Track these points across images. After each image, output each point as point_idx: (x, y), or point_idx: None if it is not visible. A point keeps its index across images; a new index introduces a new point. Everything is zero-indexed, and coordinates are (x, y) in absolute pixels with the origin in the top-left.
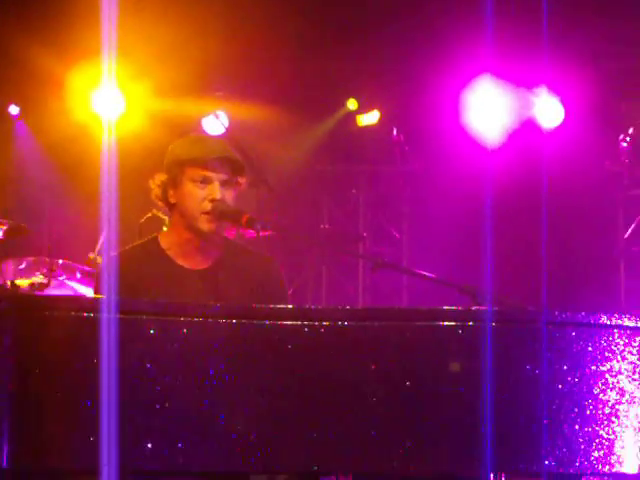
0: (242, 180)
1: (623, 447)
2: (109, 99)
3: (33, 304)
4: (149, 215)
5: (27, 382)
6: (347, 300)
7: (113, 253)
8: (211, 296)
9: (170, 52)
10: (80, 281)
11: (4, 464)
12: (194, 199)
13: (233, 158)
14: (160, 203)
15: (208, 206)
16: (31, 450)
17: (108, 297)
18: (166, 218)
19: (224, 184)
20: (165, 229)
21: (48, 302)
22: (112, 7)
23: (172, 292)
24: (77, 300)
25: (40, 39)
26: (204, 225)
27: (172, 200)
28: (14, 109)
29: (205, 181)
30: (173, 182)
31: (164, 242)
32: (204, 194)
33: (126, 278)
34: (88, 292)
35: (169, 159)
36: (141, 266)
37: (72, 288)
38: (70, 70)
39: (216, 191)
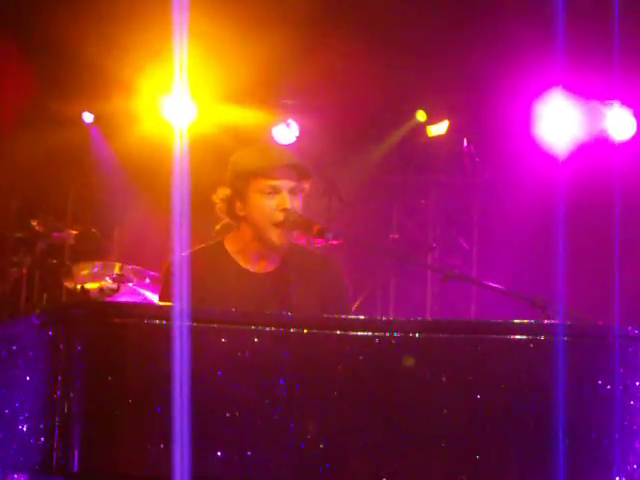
0: (306, 185)
1: None
2: (180, 106)
3: (105, 311)
4: (224, 222)
5: (99, 389)
6: (415, 311)
7: (184, 256)
8: (278, 299)
9: (242, 60)
10: (149, 287)
11: (75, 469)
12: (264, 211)
13: (299, 164)
14: (226, 217)
15: (280, 216)
16: (101, 456)
17: (180, 304)
18: None
19: (292, 192)
20: (230, 234)
21: (120, 309)
22: (184, 14)
23: (237, 295)
24: (149, 307)
25: (114, 47)
26: (275, 238)
27: (240, 213)
28: (88, 117)
29: (273, 191)
30: (239, 195)
31: (230, 245)
32: (274, 204)
33: (191, 280)
34: (156, 298)
35: (233, 172)
36: (206, 268)
37: (141, 294)
38: (143, 78)
39: (286, 200)
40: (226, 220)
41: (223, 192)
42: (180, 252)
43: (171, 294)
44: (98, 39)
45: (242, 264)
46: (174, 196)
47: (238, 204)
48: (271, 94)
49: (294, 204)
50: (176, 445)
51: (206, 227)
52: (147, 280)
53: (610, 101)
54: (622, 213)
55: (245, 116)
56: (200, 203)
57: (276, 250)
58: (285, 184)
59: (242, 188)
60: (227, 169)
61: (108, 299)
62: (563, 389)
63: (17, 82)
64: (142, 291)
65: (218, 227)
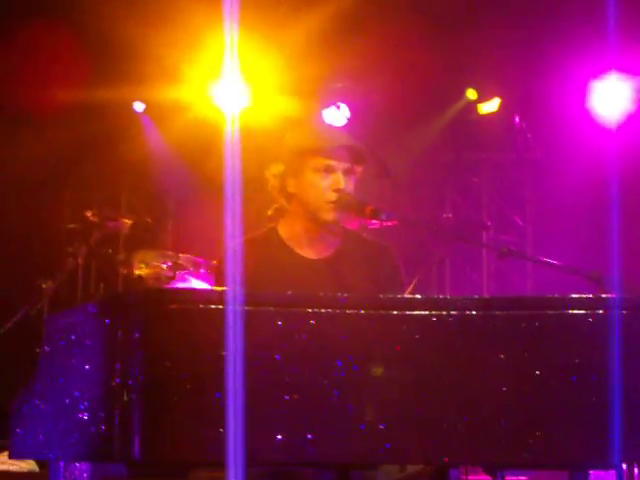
0: (359, 169)
1: None
2: (231, 92)
3: (160, 297)
4: (276, 206)
5: (157, 375)
6: (472, 289)
7: (238, 242)
8: (333, 285)
9: (291, 44)
10: (204, 276)
11: (136, 456)
12: (317, 189)
13: (356, 146)
14: (277, 194)
15: (333, 196)
16: (161, 442)
17: (234, 289)
18: None
19: (346, 173)
20: (283, 220)
21: (175, 295)
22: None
23: (293, 281)
24: (205, 293)
25: (162, 33)
26: (327, 215)
27: (292, 190)
28: (139, 106)
29: (328, 170)
30: (293, 172)
31: (283, 232)
32: (327, 184)
33: (245, 267)
34: (206, 285)
35: (288, 148)
36: (261, 255)
37: (197, 282)
38: (191, 64)
39: (340, 180)
40: (278, 205)
41: (277, 168)
42: (232, 239)
43: (226, 281)
44: (148, 27)
45: (296, 250)
46: (226, 185)
47: (291, 181)
48: (321, 78)
49: (347, 185)
50: (229, 429)
51: (258, 215)
52: (202, 269)
53: None
54: None
55: (296, 101)
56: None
57: (328, 230)
58: (340, 164)
59: (297, 165)
60: (282, 145)
61: (164, 286)
62: (624, 364)
63: (69, 72)
64: (197, 280)
65: (270, 212)
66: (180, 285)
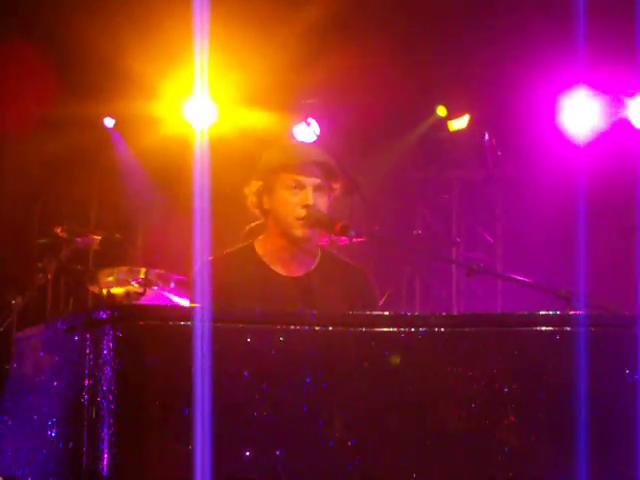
0: (336, 185)
1: None
2: (201, 108)
3: (130, 314)
4: (253, 224)
5: (126, 392)
6: (441, 306)
7: (207, 260)
8: (306, 303)
9: (261, 60)
10: (174, 290)
11: (104, 473)
12: (288, 205)
13: (326, 162)
14: (255, 210)
15: (302, 212)
16: (130, 459)
17: (203, 306)
18: None
19: (317, 189)
20: (261, 236)
21: (144, 312)
22: (204, 17)
23: (267, 298)
24: (173, 309)
25: (134, 50)
26: (298, 231)
27: (266, 207)
28: (109, 121)
29: (298, 187)
30: (267, 189)
31: (260, 248)
32: (297, 200)
33: (221, 283)
34: (182, 301)
35: (262, 166)
36: (237, 271)
37: (167, 297)
38: (163, 80)
39: (309, 197)
40: (255, 223)
41: (255, 185)
42: (201, 253)
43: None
44: (119, 42)
45: (271, 266)
46: (195, 198)
47: (265, 198)
48: (291, 94)
49: (318, 201)
50: (197, 446)
51: (229, 227)
52: (172, 284)
53: (632, 91)
54: None
55: (265, 117)
56: (222, 205)
57: (303, 248)
58: (310, 181)
59: (269, 182)
60: (258, 163)
61: (133, 302)
62: (590, 380)
63: (38, 86)
64: (167, 295)
65: (247, 229)
66: (151, 301)
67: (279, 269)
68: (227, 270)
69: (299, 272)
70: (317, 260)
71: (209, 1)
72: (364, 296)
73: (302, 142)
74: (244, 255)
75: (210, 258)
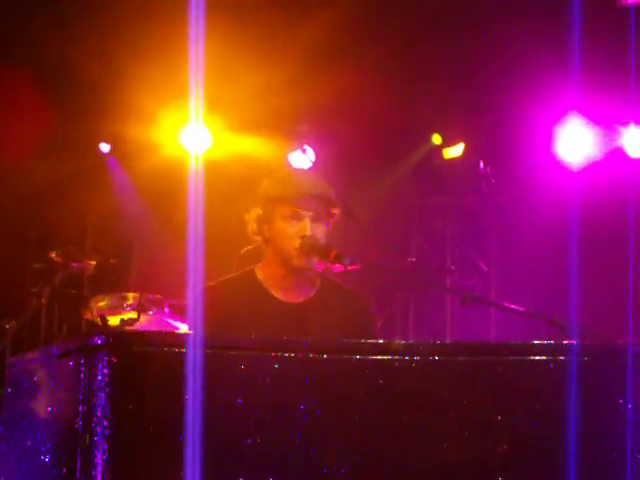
0: (335, 211)
1: None
2: (196, 135)
3: (124, 340)
4: (249, 247)
5: (120, 417)
6: (435, 334)
7: (205, 286)
8: (302, 330)
9: (256, 88)
10: (168, 315)
11: None
12: (285, 236)
13: (322, 194)
14: (256, 237)
15: (298, 242)
16: None
17: (197, 332)
18: None
19: (315, 220)
20: (261, 263)
21: (139, 338)
22: (199, 46)
23: (266, 324)
24: (168, 335)
25: (130, 78)
26: (296, 261)
27: (267, 235)
28: (105, 147)
29: (296, 218)
30: (266, 218)
31: (260, 274)
32: (295, 231)
33: (222, 309)
34: (177, 326)
35: (262, 195)
36: (237, 297)
37: (162, 322)
38: (159, 107)
39: (307, 228)
40: (248, 247)
41: (255, 212)
42: (195, 278)
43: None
44: (115, 69)
45: (272, 292)
46: (189, 223)
47: (265, 226)
48: (286, 121)
49: (315, 231)
50: (188, 473)
51: (223, 252)
52: (166, 309)
53: (626, 120)
54: (638, 231)
55: (260, 143)
56: (216, 229)
57: (303, 276)
58: (307, 213)
59: (268, 211)
60: (257, 191)
61: (127, 328)
62: (583, 408)
63: (35, 112)
64: (162, 320)
65: (242, 252)
66: (146, 326)
67: (279, 295)
68: (227, 295)
69: (299, 299)
70: (317, 287)
71: (204, 30)
72: (363, 323)
73: (300, 171)
74: (244, 280)
75: (211, 284)
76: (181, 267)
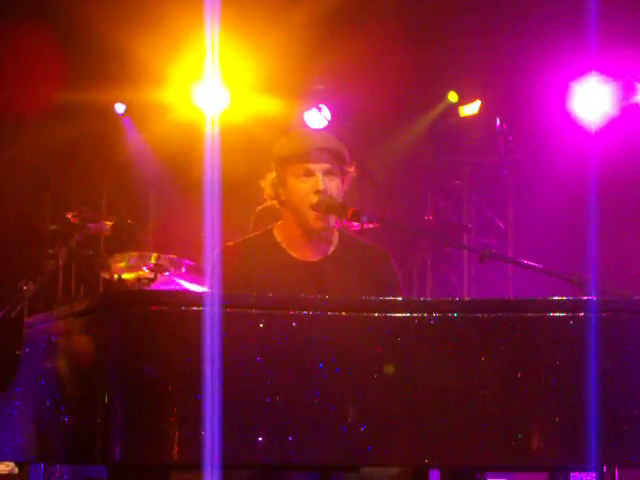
0: (350, 169)
1: None
2: (212, 94)
3: (141, 299)
4: (266, 204)
5: (138, 377)
6: (452, 292)
7: (224, 246)
8: (320, 289)
9: (272, 46)
10: (186, 276)
11: (116, 458)
12: (299, 193)
13: (332, 148)
14: (273, 202)
15: (314, 198)
16: (142, 444)
17: (215, 291)
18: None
19: (327, 174)
20: (279, 223)
21: (156, 297)
22: (215, 2)
23: (284, 283)
24: (185, 295)
25: (144, 36)
26: (312, 222)
27: (282, 198)
28: (120, 107)
29: (307, 174)
30: (280, 180)
31: (278, 234)
32: (308, 187)
33: (240, 269)
34: (193, 287)
35: (274, 158)
36: (255, 257)
37: (178, 283)
38: (174, 67)
39: (319, 182)
40: (263, 205)
41: (270, 177)
42: (212, 239)
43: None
44: (128, 28)
45: (290, 252)
46: (205, 184)
47: (280, 189)
48: (302, 80)
49: (329, 185)
50: (207, 431)
51: (240, 213)
52: (183, 269)
53: None
54: None
55: (276, 103)
56: (232, 190)
57: (315, 234)
58: (318, 167)
59: (281, 173)
60: (271, 155)
61: (144, 288)
62: (604, 366)
63: (49, 73)
64: (179, 280)
65: (257, 211)
66: (163, 286)
67: (297, 254)
68: (245, 256)
69: (317, 256)
70: (335, 244)
71: None
72: (385, 278)
73: (310, 129)
74: (262, 241)
75: (229, 244)
76: (197, 228)
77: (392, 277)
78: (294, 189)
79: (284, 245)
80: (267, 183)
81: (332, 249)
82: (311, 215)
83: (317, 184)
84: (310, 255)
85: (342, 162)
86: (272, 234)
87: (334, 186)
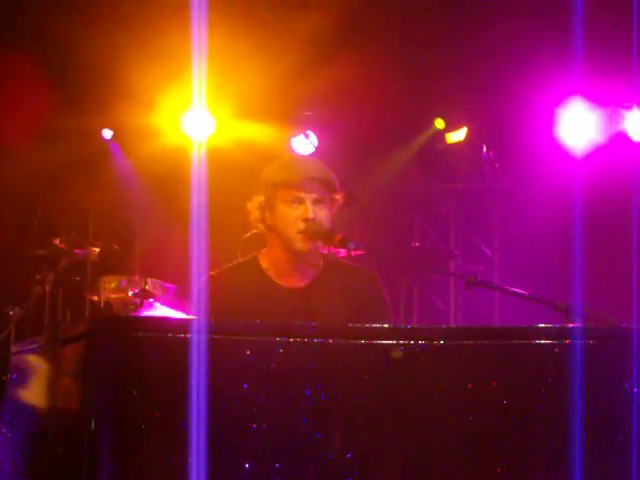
0: (338, 197)
1: None
2: (199, 120)
3: (128, 325)
4: (254, 231)
5: (125, 403)
6: (439, 319)
7: (210, 274)
8: (307, 315)
9: (259, 73)
10: (172, 301)
11: None
12: (288, 220)
13: (324, 177)
14: (259, 225)
15: (302, 226)
16: (130, 471)
17: (202, 318)
18: None
19: (317, 203)
20: (264, 249)
21: (143, 323)
22: (202, 30)
23: (270, 311)
24: (172, 321)
25: (133, 63)
26: (299, 245)
27: (269, 222)
28: (108, 133)
29: (298, 201)
30: (268, 204)
31: (264, 261)
32: (297, 214)
33: (226, 296)
34: (179, 312)
35: (263, 182)
36: (241, 285)
37: (164, 308)
38: (162, 92)
39: (308, 211)
40: (251, 232)
41: (257, 200)
42: (199, 264)
43: (214, 310)
44: (117, 55)
45: (275, 279)
46: (193, 209)
47: (267, 213)
48: (289, 107)
49: (318, 214)
50: (193, 459)
51: (227, 238)
52: (170, 294)
53: (629, 104)
54: None
55: (263, 129)
56: (220, 216)
57: (305, 260)
58: (309, 195)
59: (271, 197)
60: (260, 178)
61: (131, 313)
62: (589, 392)
63: (37, 98)
64: (165, 306)
65: (244, 238)
66: (149, 312)
67: (282, 281)
68: (231, 284)
69: (302, 283)
70: (320, 270)
71: (207, 14)
72: (372, 299)
73: (302, 156)
74: (248, 268)
75: (214, 272)
76: (184, 253)
77: (379, 298)
78: (282, 215)
79: (269, 272)
80: (254, 206)
81: (316, 274)
82: (298, 238)
83: (306, 212)
84: (296, 281)
85: (332, 190)
86: (257, 261)
87: (323, 215)
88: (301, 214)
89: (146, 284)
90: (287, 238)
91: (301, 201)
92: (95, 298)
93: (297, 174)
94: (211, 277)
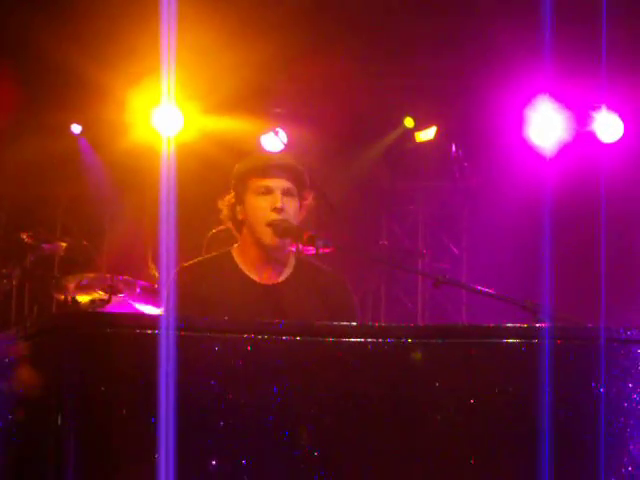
0: (307, 194)
1: None
2: (168, 116)
3: (96, 321)
4: (220, 228)
5: (92, 400)
6: (406, 317)
7: (180, 267)
8: (278, 311)
9: (229, 70)
10: (140, 297)
11: (69, 478)
12: (257, 210)
13: (291, 165)
14: (229, 223)
15: (271, 215)
16: (96, 468)
17: (170, 314)
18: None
19: (286, 193)
20: (237, 245)
21: (111, 319)
22: (171, 26)
23: (240, 304)
24: (140, 317)
25: (101, 59)
26: (268, 239)
27: (240, 216)
28: (76, 128)
29: (267, 191)
30: (239, 198)
31: (237, 256)
32: (267, 204)
33: (197, 288)
34: (148, 308)
35: (234, 177)
36: (213, 277)
37: (132, 304)
38: (131, 88)
39: (278, 200)
40: (218, 229)
41: (227, 198)
42: (167, 260)
43: (180, 303)
44: (86, 52)
45: (248, 274)
46: (161, 205)
47: (238, 207)
48: (258, 103)
49: (287, 206)
50: (161, 455)
51: (195, 233)
52: (138, 290)
53: (598, 105)
54: (609, 213)
55: (232, 125)
56: (189, 212)
57: (273, 254)
58: (277, 184)
59: (240, 190)
60: (230, 175)
61: (98, 309)
62: (556, 392)
63: (5, 93)
64: (133, 302)
65: (210, 234)
66: (117, 308)
67: (255, 277)
68: (203, 276)
69: (275, 279)
70: (293, 268)
71: (176, 10)
72: (341, 301)
73: (270, 151)
74: (221, 261)
75: (186, 264)
76: (152, 248)
77: (347, 300)
78: (252, 206)
79: (242, 267)
80: (224, 204)
81: (289, 272)
82: (267, 232)
83: (276, 202)
84: (267, 277)
85: (301, 184)
86: (231, 255)
87: (292, 207)
88: (270, 203)
89: (113, 281)
90: (257, 232)
91: (270, 191)
92: (61, 297)
93: (264, 161)
94: (182, 268)
